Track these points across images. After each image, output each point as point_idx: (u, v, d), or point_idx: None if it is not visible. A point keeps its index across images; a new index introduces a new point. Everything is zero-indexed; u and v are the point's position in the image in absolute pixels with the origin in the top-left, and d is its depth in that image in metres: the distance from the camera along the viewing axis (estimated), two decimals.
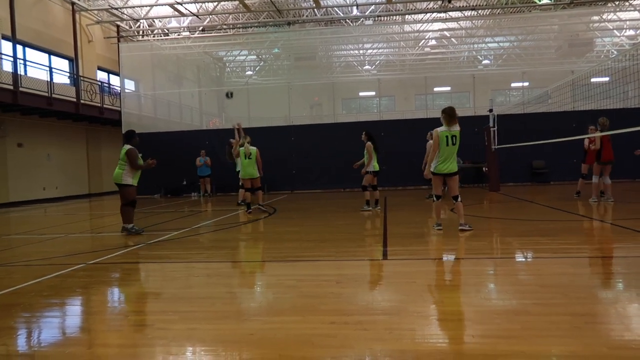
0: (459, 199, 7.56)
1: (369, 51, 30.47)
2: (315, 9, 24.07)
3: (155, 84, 23.93)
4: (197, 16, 23.67)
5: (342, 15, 24.83)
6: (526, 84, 24.96)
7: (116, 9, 23.13)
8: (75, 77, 21.52)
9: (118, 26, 25.38)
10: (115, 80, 24.93)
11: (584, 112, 15.86)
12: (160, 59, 24.16)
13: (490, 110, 15.10)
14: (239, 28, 26.13)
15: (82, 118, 21.69)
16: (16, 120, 18.78)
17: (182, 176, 19.73)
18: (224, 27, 25.69)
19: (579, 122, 15.40)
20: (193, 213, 12.75)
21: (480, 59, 30.97)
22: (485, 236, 7.22)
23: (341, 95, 29.53)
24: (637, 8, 24.49)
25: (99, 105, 22.01)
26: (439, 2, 22.90)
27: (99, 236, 9.41)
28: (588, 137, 10.75)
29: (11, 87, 16.85)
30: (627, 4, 23.97)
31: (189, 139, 19.89)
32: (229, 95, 12.38)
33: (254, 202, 11.57)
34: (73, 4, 21.98)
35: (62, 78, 21.16)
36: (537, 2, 21.95)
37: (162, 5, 22.24)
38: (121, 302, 4.78)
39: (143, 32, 26.15)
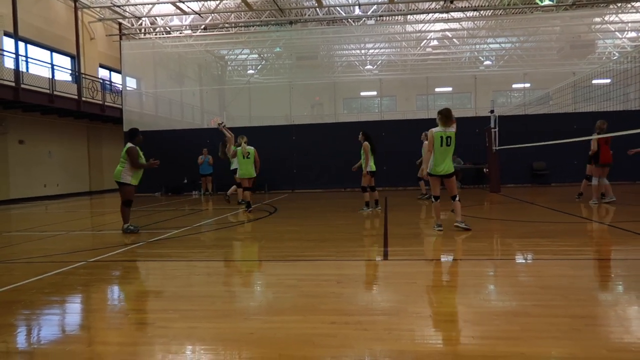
0: (457, 199, 7.62)
1: (371, 51, 30.47)
2: (318, 9, 24.06)
3: (156, 82, 23.94)
4: (199, 14, 23.66)
5: (344, 14, 24.83)
6: (527, 85, 24.96)
7: (118, 6, 23.12)
8: (77, 75, 21.53)
9: (120, 24, 25.39)
10: (117, 78, 24.94)
11: (585, 114, 15.87)
12: (162, 57, 24.18)
13: (492, 111, 15.11)
14: (241, 27, 26.13)
15: (83, 115, 21.70)
16: (17, 117, 18.79)
17: (183, 174, 19.75)
18: (226, 25, 25.68)
19: (579, 124, 15.40)
20: (194, 211, 12.76)
21: (482, 59, 30.96)
22: (486, 237, 7.23)
23: (342, 95, 29.54)
24: (639, 10, 24.48)
25: (101, 102, 22.03)
26: (441, 3, 22.90)
27: (99, 234, 9.43)
28: (589, 139, 10.74)
29: (13, 84, 16.86)
30: (629, 5, 23.96)
31: (190, 138, 19.91)
32: (220, 124, 12.75)
33: (237, 198, 11.75)
34: (75, 1, 21.99)
35: (63, 75, 21.17)
36: (539, 3, 21.93)
37: (164, 3, 22.24)
38: (122, 300, 4.79)
39: (145, 30, 26.15)
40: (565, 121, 16.97)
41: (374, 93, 29.23)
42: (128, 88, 22.61)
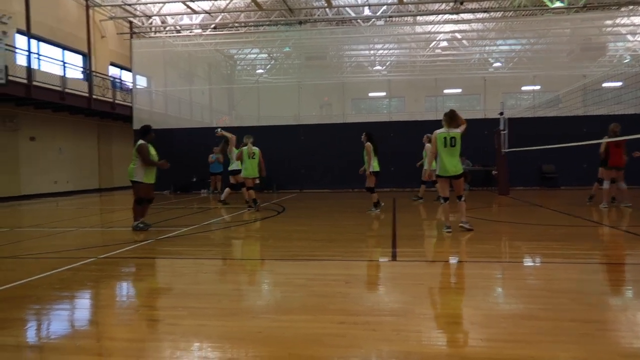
0: (463, 199, 7.68)
1: (380, 52, 30.42)
2: (327, 9, 24.07)
3: (166, 80, 24.06)
4: (209, 13, 23.76)
5: (353, 15, 24.82)
6: (537, 87, 24.82)
7: (129, 5, 23.28)
8: (88, 72, 21.69)
9: (131, 22, 25.54)
10: (127, 76, 25.10)
11: (595, 117, 15.75)
12: (172, 56, 24.29)
13: (501, 114, 15.04)
14: (251, 26, 26.19)
15: (94, 113, 21.86)
16: (29, 114, 18.96)
17: (191, 173, 19.82)
18: (236, 25, 25.76)
19: (589, 127, 15.28)
20: (202, 210, 12.82)
21: (492, 61, 30.81)
22: (494, 240, 7.21)
23: (351, 96, 29.52)
24: None
25: (111, 100, 22.19)
26: (451, 4, 22.81)
27: (109, 230, 9.50)
28: (599, 142, 10.67)
29: (25, 81, 17.02)
30: None
31: (199, 136, 19.97)
32: (217, 130, 12.92)
33: (244, 198, 11.92)
34: None
35: (75, 73, 21.34)
36: (550, 5, 21.80)
37: (174, 2, 22.35)
38: (131, 296, 4.83)
39: (155, 28, 26.29)
40: (575, 124, 16.86)
41: (383, 94, 29.20)
42: (138, 86, 22.75)
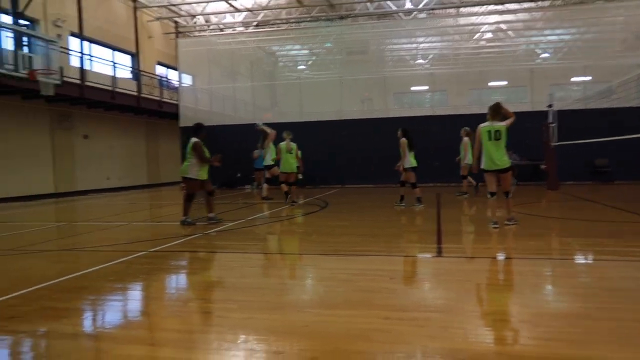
0: (510, 196, 7.52)
1: (422, 45, 29.92)
2: (368, 3, 23.89)
3: (210, 78, 24.52)
4: (251, 11, 24.05)
5: (395, 8, 24.53)
6: (588, 78, 23.80)
7: (174, 5, 23.86)
8: (136, 72, 22.42)
9: (176, 22, 26.19)
10: (173, 75, 25.79)
11: None
12: (216, 54, 24.70)
13: (550, 106, 14.54)
14: (292, 23, 26.32)
15: (142, 111, 22.59)
16: (83, 113, 19.78)
17: (236, 169, 20.15)
18: (277, 22, 25.96)
19: None
20: (247, 205, 13.05)
21: (539, 52, 29.77)
22: (543, 236, 7.01)
23: (393, 90, 29.15)
24: None
25: (158, 99, 22.87)
26: None
27: (158, 225, 9.81)
28: None
29: (78, 82, 17.76)
30: None
31: (242, 133, 20.27)
32: (257, 125, 13.08)
33: (292, 196, 12.04)
34: (135, 1, 22.86)
35: (124, 73, 22.10)
36: None
37: (218, 0, 22.74)
38: (180, 289, 4.98)
39: (199, 27, 26.85)
40: (630, 115, 16.07)
41: (425, 88, 28.73)
42: (184, 85, 23.32)
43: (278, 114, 23.81)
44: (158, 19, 24.57)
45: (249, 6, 23.54)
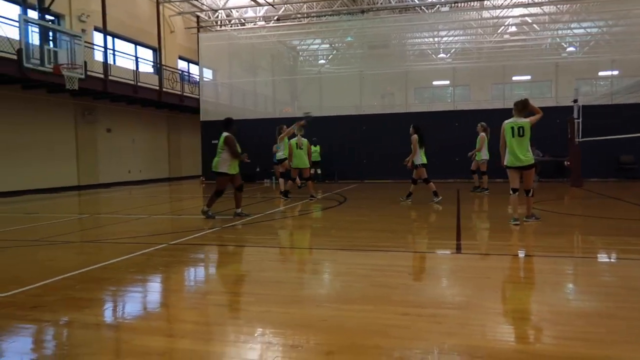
0: (531, 194, 7.48)
1: (444, 39, 29.58)
2: None
3: (231, 72, 24.66)
4: (272, 5, 24.06)
5: (417, 2, 24.27)
6: (615, 72, 23.22)
7: (197, 0, 24.03)
8: (158, 66, 22.66)
9: (198, 17, 26.37)
10: (194, 69, 25.99)
11: None
12: (237, 49, 24.82)
13: (575, 101, 14.24)
14: (313, 17, 26.26)
15: (163, 105, 22.85)
16: (106, 106, 20.10)
17: (255, 163, 20.24)
18: (298, 16, 25.93)
19: None
20: (265, 199, 13.11)
21: (565, 46, 29.15)
22: (565, 234, 6.88)
23: (414, 85, 28.90)
24: None
25: (180, 93, 23.09)
26: None
27: (179, 218, 9.92)
28: None
29: (102, 76, 18.03)
30: None
31: (263, 127, 20.34)
32: (307, 118, 13.02)
33: (310, 191, 12.01)
34: None
35: (146, 67, 22.36)
36: None
37: None
38: (199, 281, 5.04)
39: (221, 22, 26.99)
40: None
41: (447, 82, 28.40)
42: (205, 79, 23.48)
43: (298, 108, 23.80)
44: (180, 13, 24.77)
45: (270, 0, 23.55)
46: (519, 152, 7.21)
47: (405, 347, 2.90)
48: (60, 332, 3.40)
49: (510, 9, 25.36)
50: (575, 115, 14.18)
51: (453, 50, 30.70)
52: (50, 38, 14.44)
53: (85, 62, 15.49)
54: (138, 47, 22.45)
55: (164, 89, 21.78)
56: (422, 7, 24.74)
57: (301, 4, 24.81)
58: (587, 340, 2.94)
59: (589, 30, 27.89)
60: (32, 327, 3.43)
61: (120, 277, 4.78)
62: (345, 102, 21.20)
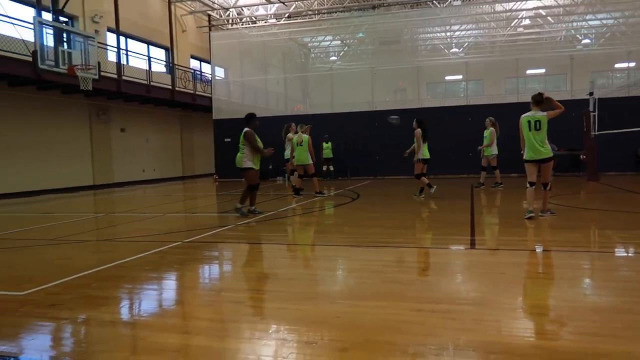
0: (548, 187, 7.40)
1: (457, 33, 29.33)
2: None
3: (242, 71, 24.74)
4: (283, 3, 24.06)
5: None
6: (632, 64, 22.84)
7: None
8: (170, 66, 22.81)
9: (209, 15, 26.48)
10: (206, 68, 26.11)
11: None
12: (248, 47, 24.87)
13: (591, 94, 14.03)
14: (324, 13, 26.21)
15: (176, 104, 23.00)
16: (119, 106, 20.29)
17: (268, 160, 20.28)
18: (309, 13, 25.90)
19: None
20: (278, 197, 13.13)
21: (580, 38, 28.73)
22: (582, 228, 6.80)
23: (426, 80, 28.71)
24: None
25: (192, 92, 23.22)
26: None
27: (192, 216, 9.99)
28: None
29: (115, 76, 18.20)
30: None
31: (274, 125, 20.37)
32: (394, 120, 12.94)
33: (315, 188, 11.98)
34: None
35: (158, 67, 22.51)
36: None
37: None
38: (213, 278, 5.07)
39: (232, 20, 27.06)
40: None
41: (460, 77, 28.17)
42: (217, 78, 23.58)
43: (309, 105, 23.81)
44: (192, 12, 24.89)
45: None
46: (539, 145, 7.16)
47: (420, 343, 2.89)
48: (77, 330, 3.44)
49: (523, 2, 25.05)
50: (590, 108, 13.98)
51: (466, 44, 30.45)
52: (65, 39, 14.61)
53: (99, 63, 15.64)
54: (150, 46, 22.61)
55: (176, 88, 21.92)
56: (434, 2, 24.56)
57: (312, 0, 24.78)
58: (605, 336, 2.90)
59: (604, 21, 27.46)
60: (50, 324, 3.48)
61: (136, 275, 4.82)
62: (357, 98, 21.13)
